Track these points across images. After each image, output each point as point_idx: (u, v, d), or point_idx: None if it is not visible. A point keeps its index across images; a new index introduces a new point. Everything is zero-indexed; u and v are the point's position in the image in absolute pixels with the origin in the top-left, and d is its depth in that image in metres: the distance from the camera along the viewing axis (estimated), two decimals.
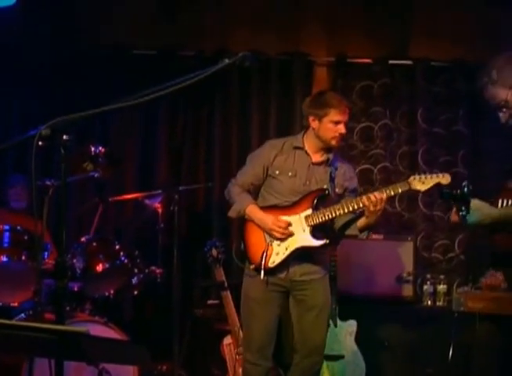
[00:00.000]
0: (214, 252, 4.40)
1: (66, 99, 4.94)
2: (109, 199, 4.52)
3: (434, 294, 4.89)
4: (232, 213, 3.78)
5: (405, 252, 4.85)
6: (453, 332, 4.46)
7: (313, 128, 3.68)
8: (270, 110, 5.25)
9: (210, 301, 4.84)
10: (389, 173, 5.32)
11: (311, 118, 3.68)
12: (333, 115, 3.61)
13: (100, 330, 3.86)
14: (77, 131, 4.75)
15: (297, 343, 3.77)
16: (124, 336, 3.98)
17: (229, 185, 3.84)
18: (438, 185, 3.43)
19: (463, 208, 2.62)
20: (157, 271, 4.34)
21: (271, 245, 3.63)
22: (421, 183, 3.44)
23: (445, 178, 3.42)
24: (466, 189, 2.63)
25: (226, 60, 2.48)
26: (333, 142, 3.68)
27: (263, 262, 3.60)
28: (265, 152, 3.78)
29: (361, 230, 3.68)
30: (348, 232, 3.74)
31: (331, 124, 3.62)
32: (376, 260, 4.82)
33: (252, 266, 3.66)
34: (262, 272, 3.59)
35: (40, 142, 2.18)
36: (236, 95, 5.24)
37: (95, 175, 4.08)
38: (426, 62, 5.39)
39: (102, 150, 4.04)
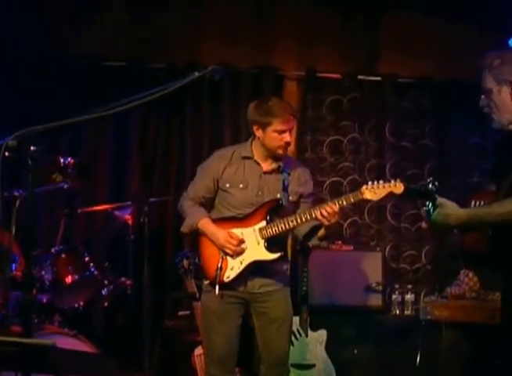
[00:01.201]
0: (185, 263, 4.39)
1: (36, 109, 4.90)
2: (79, 210, 4.51)
3: (403, 304, 4.95)
4: (184, 228, 3.70)
5: (374, 263, 4.91)
6: (421, 340, 4.54)
7: (258, 137, 3.60)
8: (241, 123, 5.28)
9: (181, 313, 4.83)
10: (358, 186, 5.29)
11: (255, 127, 3.58)
12: (277, 125, 3.51)
13: (69, 342, 3.83)
14: (48, 141, 4.76)
15: (262, 353, 3.71)
16: (94, 348, 3.93)
17: (181, 199, 3.76)
18: (390, 194, 3.40)
19: (428, 203, 2.51)
20: (127, 282, 4.32)
21: (225, 259, 3.55)
22: (373, 193, 3.39)
23: (397, 188, 3.37)
24: (431, 185, 2.52)
25: (196, 73, 2.51)
26: (280, 151, 3.59)
27: (217, 277, 3.52)
28: (213, 164, 3.69)
29: (320, 239, 3.63)
30: (310, 242, 3.70)
31: (275, 134, 3.52)
32: (346, 270, 4.87)
33: (207, 282, 3.61)
34: (217, 287, 3.52)
35: (6, 153, 2.18)
36: (207, 108, 5.27)
37: (65, 186, 4.05)
38: (394, 78, 5.50)
39: (72, 160, 4.02)
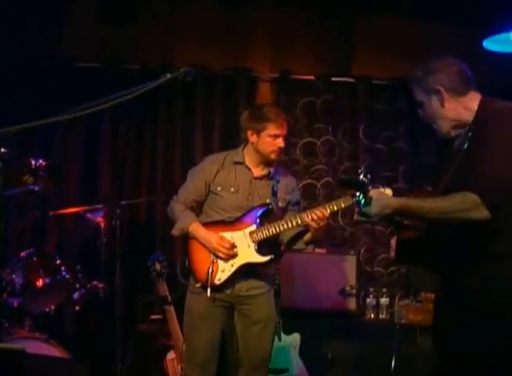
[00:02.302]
0: (158, 266, 4.37)
1: (8, 110, 4.79)
2: (50, 213, 4.45)
3: (377, 307, 4.96)
4: (175, 231, 3.75)
5: (348, 266, 4.90)
6: (395, 344, 4.56)
7: (252, 143, 3.68)
8: (214, 125, 5.26)
9: (153, 316, 4.79)
10: (332, 188, 5.38)
11: (249, 132, 3.67)
12: (271, 129, 3.61)
13: (41, 347, 3.79)
14: (19, 143, 4.69)
15: (242, 357, 3.74)
16: (66, 353, 3.90)
17: (171, 202, 3.80)
18: None
19: (358, 194, 2.51)
20: (99, 286, 4.28)
21: (216, 262, 3.60)
22: None
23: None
24: (362, 176, 2.51)
25: (168, 75, 2.49)
26: (273, 156, 3.67)
27: (209, 280, 3.56)
28: (206, 167, 3.75)
29: (307, 244, 3.70)
30: (296, 246, 3.75)
31: (270, 139, 3.62)
32: (320, 274, 4.86)
33: (198, 284, 3.63)
34: (209, 289, 3.56)
35: None
36: (179, 109, 5.23)
37: (36, 189, 4.01)
38: (368, 79, 5.50)
39: (43, 162, 3.97)
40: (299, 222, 3.51)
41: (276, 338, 4.43)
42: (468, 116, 2.67)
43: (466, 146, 2.63)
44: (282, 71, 5.42)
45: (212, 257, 3.61)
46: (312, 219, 3.46)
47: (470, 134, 2.64)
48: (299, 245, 3.74)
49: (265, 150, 3.65)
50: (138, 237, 5.11)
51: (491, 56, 4.92)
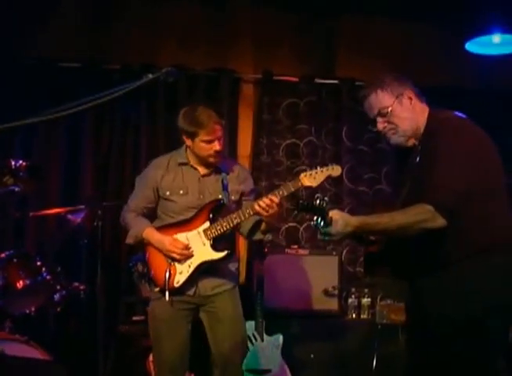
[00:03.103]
0: (140, 267, 4.33)
1: None
2: (31, 214, 4.42)
3: (359, 307, 4.98)
4: (129, 239, 3.69)
5: (331, 267, 4.92)
6: (377, 343, 4.58)
7: (188, 146, 3.61)
8: None
9: (135, 318, 4.77)
10: (315, 189, 5.36)
11: (184, 136, 3.58)
12: (203, 135, 3.50)
13: (21, 349, 3.75)
14: None
15: (214, 356, 3.71)
16: (46, 355, 3.85)
17: (122, 212, 3.75)
18: (329, 177, 3.45)
19: (316, 218, 2.55)
20: (81, 287, 4.25)
21: (173, 265, 3.55)
22: (312, 179, 3.39)
23: (335, 170, 3.42)
24: (319, 200, 2.54)
25: (150, 75, 2.47)
26: (211, 160, 3.58)
27: (167, 283, 3.51)
28: (151, 174, 3.68)
29: (264, 233, 3.66)
30: (255, 237, 3.71)
31: (203, 144, 3.51)
32: (302, 274, 4.87)
33: (157, 289, 3.59)
34: (167, 293, 3.51)
35: None
36: (162, 110, 5.21)
37: (16, 189, 3.97)
38: (351, 81, 5.51)
39: (24, 163, 3.94)
40: (250, 212, 3.45)
41: (259, 339, 4.45)
42: (422, 126, 2.75)
43: (418, 159, 2.71)
44: (265, 72, 5.42)
45: (169, 260, 3.56)
46: (262, 208, 3.38)
47: (419, 147, 2.73)
48: (258, 236, 3.69)
49: (201, 154, 3.57)
50: (120, 238, 5.06)
51: (473, 58, 4.97)
